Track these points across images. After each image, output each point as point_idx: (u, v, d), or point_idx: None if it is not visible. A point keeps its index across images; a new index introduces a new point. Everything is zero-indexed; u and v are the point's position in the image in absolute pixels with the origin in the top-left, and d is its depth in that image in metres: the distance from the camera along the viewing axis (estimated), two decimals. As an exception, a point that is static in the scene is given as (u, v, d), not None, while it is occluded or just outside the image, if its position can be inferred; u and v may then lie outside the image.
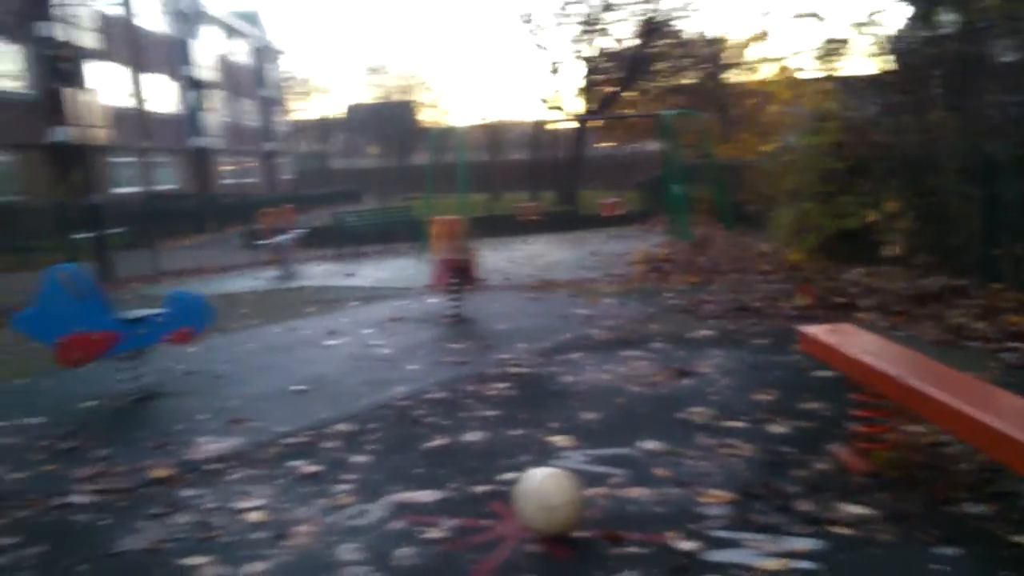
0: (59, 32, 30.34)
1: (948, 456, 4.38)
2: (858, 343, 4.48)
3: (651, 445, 4.97)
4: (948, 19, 11.58)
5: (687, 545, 3.63)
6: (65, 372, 7.49)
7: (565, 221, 28.07)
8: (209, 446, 5.59)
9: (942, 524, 3.65)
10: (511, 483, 4.24)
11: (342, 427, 5.82)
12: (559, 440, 5.22)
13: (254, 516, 4.31)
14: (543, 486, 3.75)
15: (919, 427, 4.72)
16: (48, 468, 5.37)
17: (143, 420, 6.42)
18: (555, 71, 39.88)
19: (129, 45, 38.54)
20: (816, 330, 4.90)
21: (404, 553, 3.77)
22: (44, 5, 30.17)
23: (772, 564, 3.41)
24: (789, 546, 3.56)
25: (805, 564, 3.40)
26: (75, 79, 24.73)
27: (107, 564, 3.91)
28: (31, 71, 30.41)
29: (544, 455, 4.94)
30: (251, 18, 60.39)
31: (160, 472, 5.09)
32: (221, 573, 3.71)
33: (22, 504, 4.73)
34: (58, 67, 30.32)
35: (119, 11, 37.87)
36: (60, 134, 30.65)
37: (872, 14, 12.62)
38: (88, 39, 32.53)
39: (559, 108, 40.57)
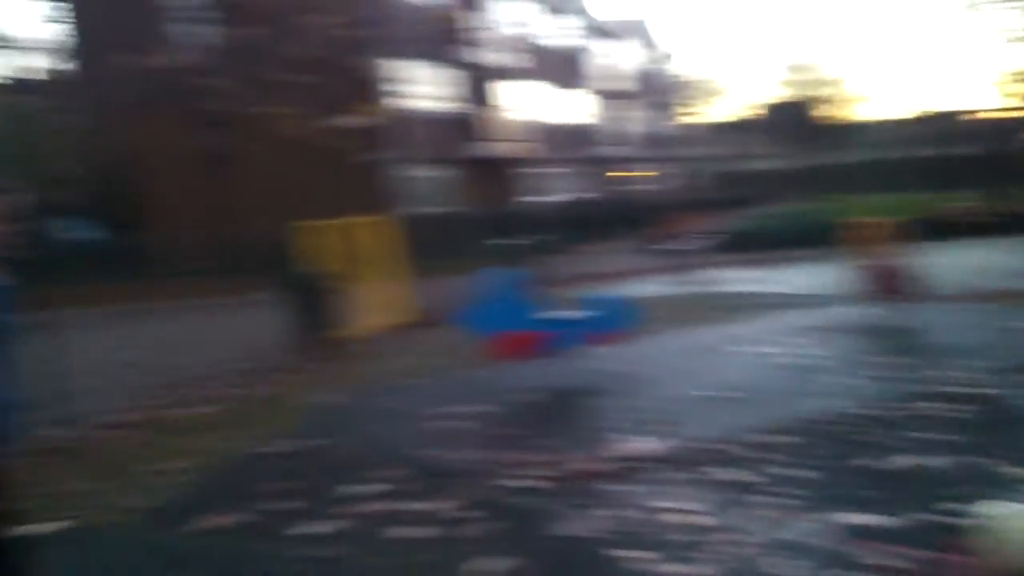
0: (481, 55, 32.94)
1: None
2: None
3: None
4: None
5: None
6: (505, 366, 8.09)
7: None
8: (633, 445, 5.86)
9: None
10: (964, 515, 3.97)
11: (770, 438, 5.83)
12: (1020, 472, 4.81)
13: (691, 519, 4.47)
14: (1008, 524, 3.49)
15: None
16: (493, 452, 5.89)
17: (575, 415, 6.84)
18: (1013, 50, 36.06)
19: (539, 61, 40.79)
20: None
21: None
22: (467, 31, 32.93)
23: None
24: None
25: None
26: (493, 97, 26.85)
27: (540, 545, 4.27)
28: (454, 91, 33.22)
29: (1002, 487, 4.59)
30: (640, 27, 61.40)
31: (587, 465, 5.42)
32: (668, 571, 3.89)
33: (478, 483, 5.24)
34: (480, 87, 32.89)
35: (528, 31, 40.30)
36: (480, 148, 33.22)
37: None
38: (506, 59, 35.05)
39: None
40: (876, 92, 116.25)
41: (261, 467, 5.95)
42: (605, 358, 8.78)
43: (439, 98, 32.82)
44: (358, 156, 26.65)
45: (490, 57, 34.18)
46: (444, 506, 4.88)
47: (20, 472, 2.88)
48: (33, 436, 6.26)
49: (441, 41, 31.15)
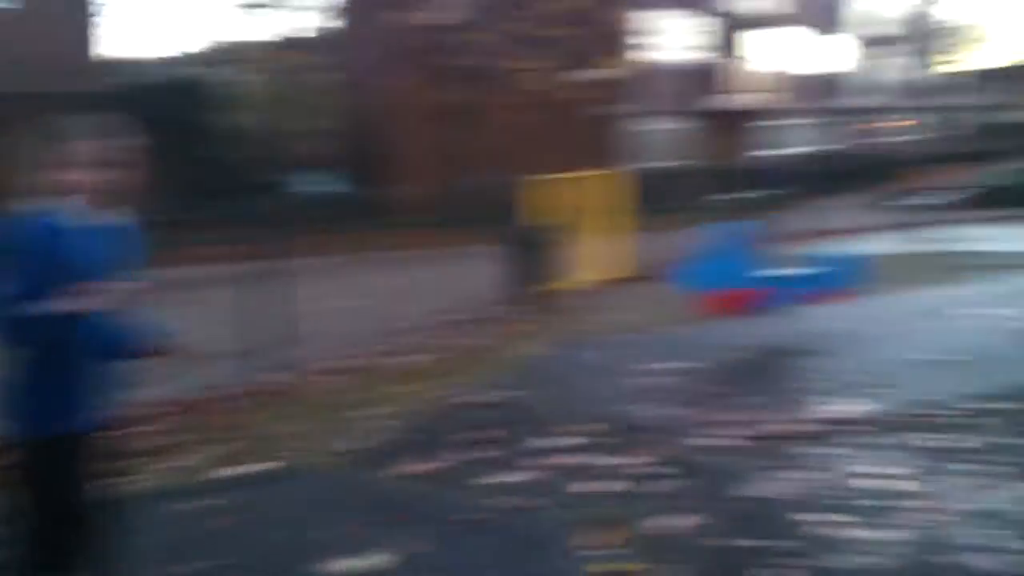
0: (736, 2, 32.04)
1: None
2: None
3: None
4: None
5: None
6: (715, 323, 7.98)
7: None
8: (838, 407, 5.73)
9: None
10: None
11: (983, 404, 5.60)
12: None
13: (900, 485, 4.35)
14: None
15: None
16: (685, 409, 5.89)
17: (786, 374, 6.75)
18: None
19: (797, 5, 39.20)
20: None
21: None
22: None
23: None
24: None
25: None
26: (742, 46, 26.03)
27: (727, 504, 4.26)
28: (705, 41, 32.49)
29: None
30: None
31: (787, 427, 5.36)
32: (863, 535, 3.81)
33: (658, 439, 5.28)
34: (730, 36, 32.03)
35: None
36: (724, 101, 32.38)
37: None
38: (763, 4, 33.92)
39: None
40: None
41: (464, 416, 6.14)
42: (823, 317, 8.52)
43: (686, 48, 32.32)
44: (596, 109, 26.76)
45: (745, 3, 33.29)
46: (635, 461, 4.94)
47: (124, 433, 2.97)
48: (253, 380, 6.73)
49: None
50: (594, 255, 12.58)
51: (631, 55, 27.43)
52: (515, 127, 26.03)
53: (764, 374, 6.83)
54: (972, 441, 4.88)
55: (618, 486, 4.59)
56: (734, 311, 7.46)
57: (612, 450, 5.17)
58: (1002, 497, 4.10)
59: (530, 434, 5.54)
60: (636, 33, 28.41)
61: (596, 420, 5.77)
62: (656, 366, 7.12)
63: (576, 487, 4.62)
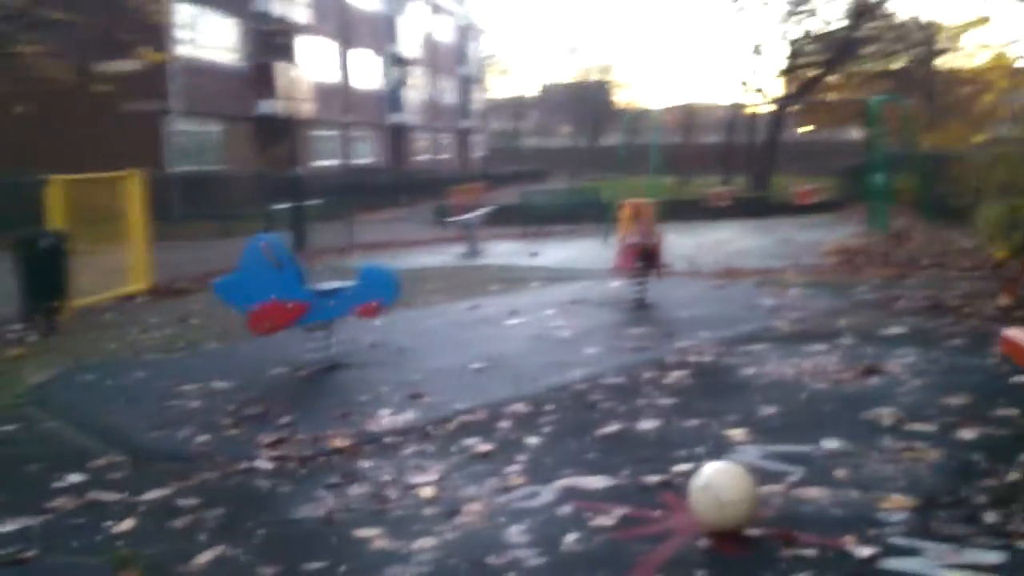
0: (274, 6, 31.83)
1: None
2: (1063, 351, 4.22)
3: (832, 445, 4.84)
4: None
5: (864, 551, 3.51)
6: (258, 339, 7.87)
7: (757, 208, 27.47)
8: (389, 419, 5.80)
9: None
10: (685, 475, 4.22)
11: (519, 407, 5.92)
12: (736, 434, 5.14)
13: (427, 492, 4.45)
14: (716, 481, 3.71)
15: None
16: (234, 432, 5.69)
17: (328, 390, 6.72)
18: (757, 52, 38.92)
19: (339, 20, 40.05)
20: (1018, 332, 4.65)
21: (571, 539, 3.81)
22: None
23: (953, 576, 3.27)
24: (973, 559, 3.40)
25: (988, 579, 3.25)
26: (285, 53, 25.99)
27: (284, 530, 4.11)
28: (243, 45, 32.05)
29: (720, 448, 4.89)
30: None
31: (340, 442, 5.31)
32: (392, 547, 3.84)
33: (208, 467, 5.02)
34: (271, 41, 31.84)
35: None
36: (267, 107, 32.20)
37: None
38: (301, 14, 34.01)
39: (759, 91, 39.64)
40: (652, 81, 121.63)
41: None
42: (363, 330, 8.69)
43: (228, 50, 31.64)
44: (130, 105, 25.41)
45: (286, 11, 33.17)
46: (160, 494, 4.60)
47: None
48: None
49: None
50: (115, 265, 11.95)
51: (167, 50, 26.33)
52: (41, 121, 24.03)
53: (317, 389, 6.81)
54: (502, 443, 5.14)
55: (133, 524, 4.22)
56: (274, 326, 7.29)
57: (132, 483, 4.79)
58: (526, 493, 4.34)
59: (38, 472, 5.03)
60: (174, 27, 27.38)
61: (118, 451, 5.35)
62: (187, 387, 6.77)
63: (89, 528, 4.19)
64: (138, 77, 24.45)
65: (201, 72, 29.32)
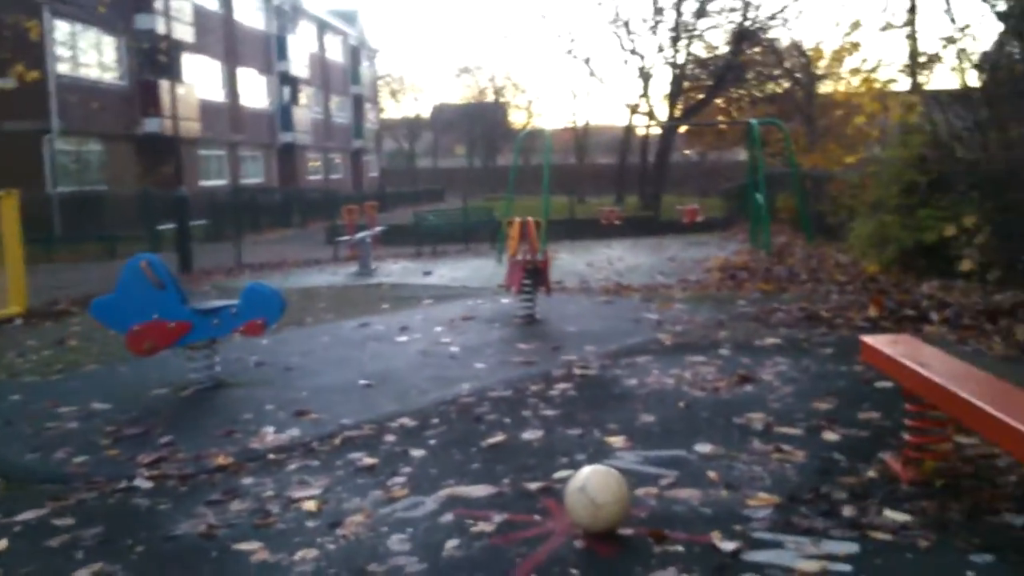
0: (156, 24, 31.29)
1: (995, 468, 4.38)
2: (915, 354, 4.49)
3: (705, 448, 5.05)
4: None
5: (730, 545, 3.71)
6: (139, 360, 7.77)
7: (647, 226, 28.10)
8: (273, 436, 5.80)
9: (982, 533, 3.67)
10: (565, 481, 4.36)
11: (405, 421, 5.99)
12: (616, 441, 5.32)
13: (309, 505, 4.49)
14: (590, 483, 3.86)
15: (970, 439, 4.71)
16: (113, 453, 5.60)
17: (210, 409, 6.66)
18: (644, 76, 39.84)
19: (225, 39, 39.58)
20: (876, 340, 4.93)
21: (453, 545, 3.90)
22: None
23: (810, 566, 3.47)
24: (829, 549, 3.61)
25: (842, 567, 3.46)
26: (170, 71, 25.53)
27: (163, 547, 4.09)
28: (125, 62, 31.43)
29: (600, 455, 5.05)
30: (350, 16, 61.46)
31: (222, 460, 5.30)
32: (273, 559, 3.88)
33: (85, 487, 4.97)
34: (154, 59, 31.28)
35: (216, 5, 38.91)
36: (151, 125, 31.62)
37: (961, 29, 12.43)
38: (185, 32, 33.49)
39: (648, 114, 40.55)
40: (545, 102, 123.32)
41: None
42: (252, 349, 8.69)
43: (111, 68, 30.97)
44: (8, 124, 24.69)
45: (170, 29, 32.60)
46: (35, 515, 4.54)
47: None
48: None
49: (111, 5, 29.32)
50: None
51: (47, 68, 25.65)
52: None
53: (201, 409, 6.72)
54: (386, 456, 5.20)
55: (5, 544, 4.17)
56: (155, 346, 7.19)
57: (3, 505, 4.72)
58: (408, 503, 4.42)
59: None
60: (53, 45, 26.71)
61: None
62: (65, 409, 6.65)
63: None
64: (17, 95, 23.80)
65: (83, 90, 28.66)
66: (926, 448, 4.37)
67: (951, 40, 12.55)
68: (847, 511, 3.99)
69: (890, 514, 3.92)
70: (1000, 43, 12.47)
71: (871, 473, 4.47)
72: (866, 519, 3.89)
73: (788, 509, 4.07)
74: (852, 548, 3.62)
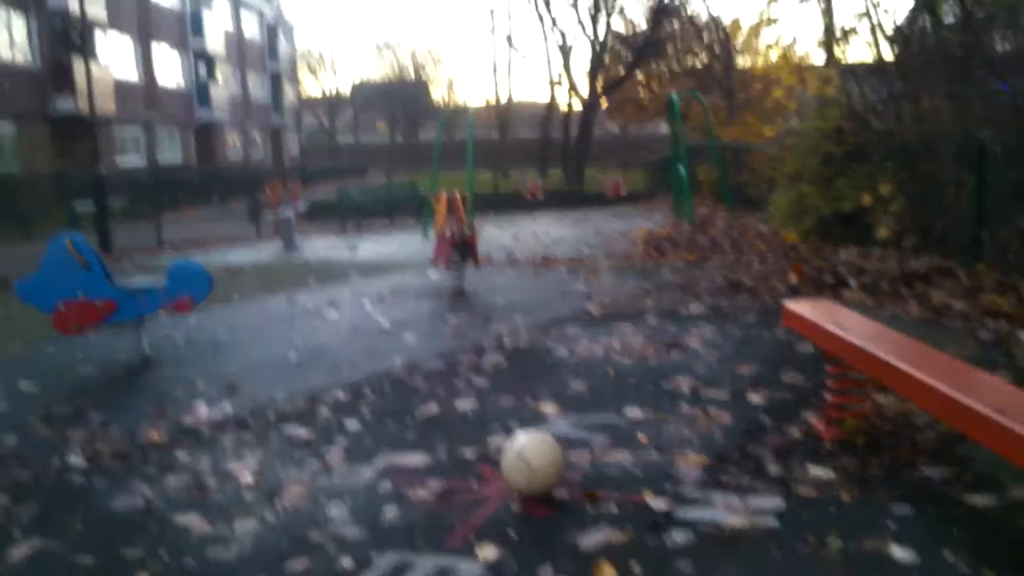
0: (69, 2, 30.42)
1: (913, 424, 4.57)
2: (834, 318, 4.65)
3: (635, 413, 5.17)
4: (949, 9, 11.72)
5: (661, 504, 3.82)
6: (65, 340, 7.68)
7: (571, 199, 28.27)
8: (205, 411, 5.78)
9: (901, 486, 3.84)
10: (499, 448, 4.46)
11: (338, 395, 6.01)
12: (548, 408, 5.41)
13: (246, 478, 4.50)
14: (526, 449, 3.94)
15: (889, 398, 4.90)
16: (45, 433, 5.53)
17: (141, 387, 6.61)
18: (565, 52, 39.97)
19: (139, 16, 38.65)
20: (797, 305, 5.08)
21: (392, 512, 3.96)
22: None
23: (738, 521, 3.60)
24: (756, 505, 3.75)
25: (769, 521, 3.59)
26: (82, 50, 24.90)
27: (100, 522, 4.08)
28: (36, 41, 30.54)
29: (533, 422, 5.13)
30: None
31: (156, 436, 5.27)
32: (212, 531, 3.89)
33: (18, 466, 4.91)
34: (66, 38, 30.43)
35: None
36: (64, 105, 30.80)
37: (875, 4, 12.74)
38: (97, 9, 32.59)
39: (570, 89, 40.72)
40: (468, 78, 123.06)
41: None
42: (180, 327, 8.61)
43: (19, 47, 30.05)
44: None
45: (81, 6, 31.70)
46: None
47: None
48: None
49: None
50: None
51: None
52: None
53: (131, 387, 6.63)
54: (319, 429, 5.22)
55: None
56: (82, 325, 7.10)
57: None
58: (344, 473, 4.46)
59: None
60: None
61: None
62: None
63: None
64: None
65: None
66: (847, 408, 4.54)
67: (865, 14, 12.83)
68: (773, 469, 4.14)
69: (814, 471, 4.07)
70: (912, 17, 12.79)
71: (795, 433, 4.63)
72: (791, 476, 4.04)
73: (716, 468, 4.20)
74: (778, 503, 3.76)
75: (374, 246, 17.09)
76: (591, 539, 3.53)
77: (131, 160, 36.80)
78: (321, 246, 17.59)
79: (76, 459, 4.96)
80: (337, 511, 4.01)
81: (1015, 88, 9.96)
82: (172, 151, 42.72)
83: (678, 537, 3.50)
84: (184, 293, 7.35)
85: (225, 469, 4.66)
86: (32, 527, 4.04)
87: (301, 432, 5.21)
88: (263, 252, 16.78)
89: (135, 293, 7.20)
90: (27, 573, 3.62)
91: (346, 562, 3.49)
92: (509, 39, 61.65)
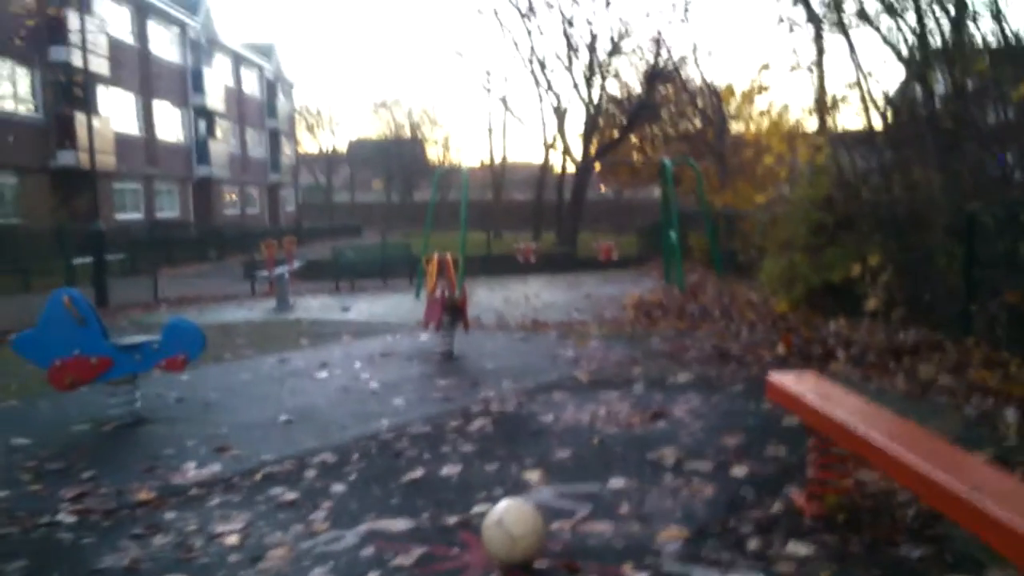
0: (71, 57, 30.78)
1: (895, 502, 4.60)
2: (817, 391, 4.70)
3: (619, 483, 5.20)
4: (940, 80, 11.92)
5: (641, 577, 3.85)
6: (59, 395, 7.72)
7: (564, 263, 28.40)
8: (194, 471, 5.81)
9: (880, 564, 3.87)
10: (483, 515, 4.48)
11: (326, 457, 6.04)
12: (532, 476, 5.44)
13: (232, 539, 4.53)
14: (507, 517, 3.97)
15: (871, 474, 4.94)
16: (35, 488, 5.58)
17: (132, 444, 6.64)
18: (560, 114, 40.40)
19: (140, 72, 39.07)
20: (781, 378, 5.13)
21: (373, 577, 3.99)
22: (57, 30, 30.63)
23: (717, 596, 3.63)
24: (735, 581, 3.78)
25: (748, 597, 3.62)
26: (85, 104, 25.19)
27: None
28: (39, 94, 30.86)
29: (517, 489, 5.16)
30: (266, 50, 61.12)
31: (144, 495, 5.30)
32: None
33: (8, 522, 4.93)
34: (69, 92, 30.73)
35: (132, 38, 38.42)
36: (66, 158, 31.04)
37: (866, 74, 12.95)
38: (99, 65, 32.96)
39: (564, 152, 41.08)
40: (462, 139, 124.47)
41: None
42: (172, 385, 8.64)
43: (23, 100, 30.34)
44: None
45: (86, 62, 32.08)
46: None
47: None
48: None
49: (24, 37, 28.70)
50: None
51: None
52: None
53: (122, 444, 6.65)
54: (306, 491, 5.26)
55: None
56: (76, 381, 7.13)
57: None
58: (329, 538, 4.48)
59: None
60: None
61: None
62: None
63: None
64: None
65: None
66: (828, 483, 4.57)
67: (856, 84, 13.04)
68: (753, 544, 4.17)
69: (794, 547, 4.10)
70: (903, 87, 13.01)
71: (777, 507, 4.66)
72: (771, 551, 4.07)
73: (697, 542, 4.23)
74: (757, 580, 3.79)
75: (367, 306, 17.15)
76: (570, 611, 3.56)
77: (130, 214, 36.98)
78: (315, 305, 17.65)
79: (65, 516, 4.98)
80: (320, 575, 4.03)
81: (1008, 163, 10.12)
82: (170, 206, 42.94)
83: (657, 611, 3.53)
84: (178, 351, 7.40)
85: (211, 530, 4.68)
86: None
87: (288, 494, 5.24)
88: (256, 310, 16.84)
89: (130, 350, 7.25)
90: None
91: (326, 630, 3.51)
92: (504, 100, 62.22)
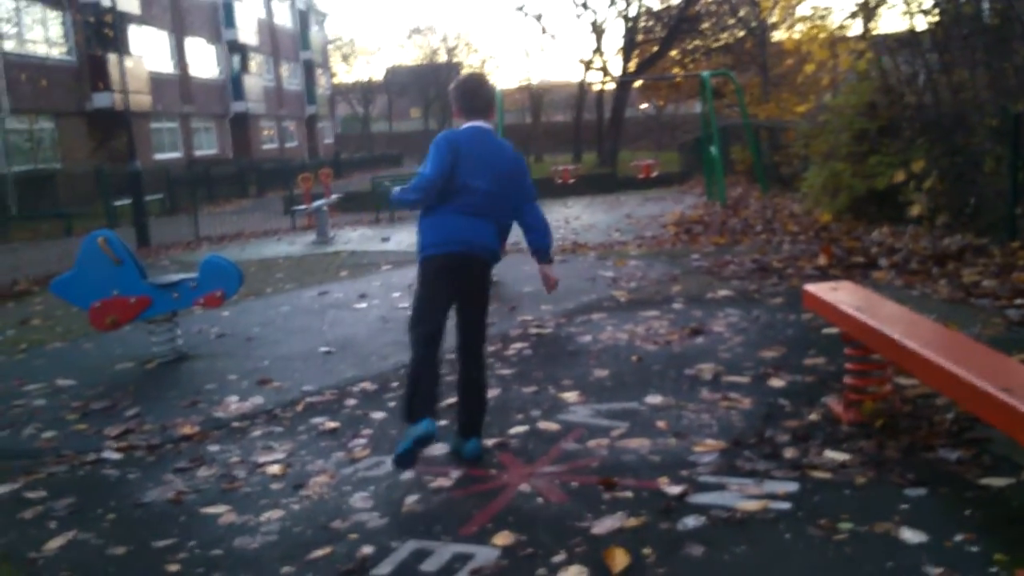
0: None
1: (933, 406, 4.56)
2: (854, 300, 4.64)
3: (656, 400, 5.20)
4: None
5: (675, 489, 3.86)
6: (103, 335, 7.86)
7: (603, 183, 28.18)
8: (236, 404, 5.91)
9: (917, 468, 3.84)
10: (519, 436, 4.54)
11: (366, 386, 6.12)
12: (570, 396, 5.46)
13: (274, 469, 4.62)
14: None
15: (910, 380, 4.89)
16: (80, 427, 5.72)
17: (174, 380, 6.76)
18: (597, 31, 39.74)
19: (171, 9, 38.99)
20: (818, 288, 5.08)
21: (412, 500, 4.05)
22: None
23: (752, 505, 3.63)
24: (770, 489, 3.77)
25: (782, 505, 3.62)
26: (117, 44, 25.22)
27: (133, 514, 4.21)
28: (71, 37, 30.92)
29: (554, 410, 5.19)
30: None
31: (188, 429, 5.42)
32: (240, 521, 4.00)
33: (55, 461, 5.06)
34: (100, 32, 30.76)
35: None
36: (101, 100, 31.17)
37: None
38: (130, 3, 32.92)
39: (602, 69, 40.50)
40: (499, 61, 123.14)
41: None
42: (213, 321, 8.76)
43: (57, 43, 30.46)
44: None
45: (115, 1, 32.09)
46: (8, 489, 4.64)
47: None
48: None
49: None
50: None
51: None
52: None
53: (164, 381, 6.73)
54: (348, 420, 5.34)
55: None
56: (117, 321, 7.24)
57: None
58: (372, 463, 4.58)
59: None
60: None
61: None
62: (31, 387, 6.75)
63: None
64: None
65: (31, 68, 28.23)
66: (866, 390, 4.54)
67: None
68: (789, 453, 4.16)
69: (830, 454, 4.09)
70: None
71: (814, 416, 4.64)
72: (807, 460, 4.06)
73: (733, 453, 4.23)
74: (792, 487, 3.78)
75: (406, 236, 17.13)
76: (604, 525, 3.58)
77: (168, 154, 37.21)
78: (354, 236, 17.69)
79: (111, 453, 5.10)
80: (360, 500, 4.10)
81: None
82: (208, 143, 43.14)
83: (690, 522, 3.54)
84: (215, 287, 7.47)
85: (254, 461, 4.78)
86: (68, 520, 4.17)
87: (328, 423, 5.32)
88: (296, 244, 16.93)
89: (168, 288, 7.34)
90: (62, 563, 3.73)
91: (367, 550, 3.57)
92: (539, 19, 61.22)
